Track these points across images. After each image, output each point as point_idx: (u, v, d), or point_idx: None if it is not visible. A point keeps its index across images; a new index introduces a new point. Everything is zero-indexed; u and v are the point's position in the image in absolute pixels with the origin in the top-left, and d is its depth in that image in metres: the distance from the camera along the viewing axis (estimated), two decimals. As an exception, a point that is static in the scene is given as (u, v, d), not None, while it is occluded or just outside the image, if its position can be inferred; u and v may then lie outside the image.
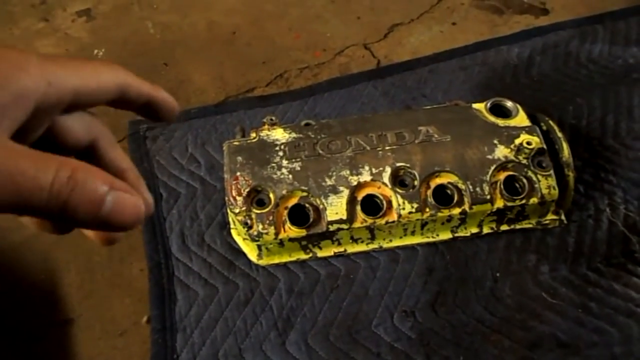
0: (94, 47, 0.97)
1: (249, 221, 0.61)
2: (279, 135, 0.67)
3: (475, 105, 0.69)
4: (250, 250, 0.66)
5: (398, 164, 0.63)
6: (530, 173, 0.63)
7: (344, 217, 0.61)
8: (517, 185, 0.63)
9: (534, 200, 0.62)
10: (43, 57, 0.24)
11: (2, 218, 0.73)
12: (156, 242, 0.69)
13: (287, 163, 0.64)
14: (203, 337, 0.60)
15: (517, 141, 0.64)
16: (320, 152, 0.65)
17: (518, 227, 0.66)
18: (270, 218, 0.61)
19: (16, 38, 1.01)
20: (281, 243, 0.62)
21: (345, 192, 0.62)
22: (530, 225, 0.66)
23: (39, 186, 0.21)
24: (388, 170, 0.63)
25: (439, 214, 0.62)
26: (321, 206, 0.61)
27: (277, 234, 0.61)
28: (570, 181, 0.64)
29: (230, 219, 0.67)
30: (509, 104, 0.69)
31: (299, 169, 0.63)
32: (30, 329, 0.63)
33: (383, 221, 0.62)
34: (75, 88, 0.25)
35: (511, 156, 0.63)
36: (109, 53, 0.96)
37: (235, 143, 0.66)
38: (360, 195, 0.62)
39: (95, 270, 0.68)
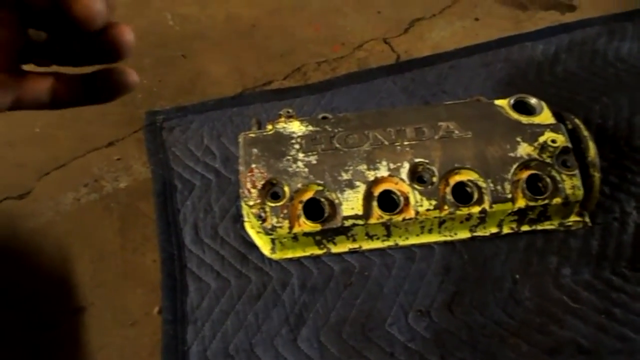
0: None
1: (263, 214, 0.60)
2: (296, 128, 0.66)
3: (498, 102, 0.67)
4: (263, 244, 0.65)
5: (417, 160, 0.61)
6: (554, 172, 0.60)
7: (360, 213, 0.60)
8: (540, 184, 0.61)
9: (557, 200, 0.60)
10: None
11: (17, 205, 0.74)
12: (169, 234, 0.68)
13: (303, 156, 0.63)
14: (214, 330, 0.60)
15: (542, 139, 0.61)
16: (337, 145, 0.63)
17: (540, 228, 0.63)
18: (285, 212, 0.60)
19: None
20: (295, 237, 0.61)
21: (362, 187, 0.60)
22: (553, 227, 0.63)
23: None
24: (406, 165, 0.61)
25: (458, 212, 0.60)
26: (337, 201, 0.60)
27: (291, 228, 0.60)
28: (595, 182, 0.62)
29: (244, 212, 0.66)
30: (533, 100, 0.67)
31: (315, 162, 0.62)
32: (42, 317, 0.63)
33: (400, 218, 0.60)
34: None
35: (535, 154, 0.61)
36: (127, 44, 0.96)
37: (251, 135, 0.66)
38: (377, 191, 0.61)
39: (108, 260, 0.68)
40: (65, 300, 0.64)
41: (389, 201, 0.61)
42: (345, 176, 0.61)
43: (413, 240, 0.63)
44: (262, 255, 0.65)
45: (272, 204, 0.60)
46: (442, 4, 0.98)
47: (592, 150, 0.62)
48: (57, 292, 0.65)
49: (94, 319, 0.63)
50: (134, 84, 0.27)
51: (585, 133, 0.64)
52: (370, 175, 0.61)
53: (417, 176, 0.61)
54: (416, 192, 0.60)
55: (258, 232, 0.65)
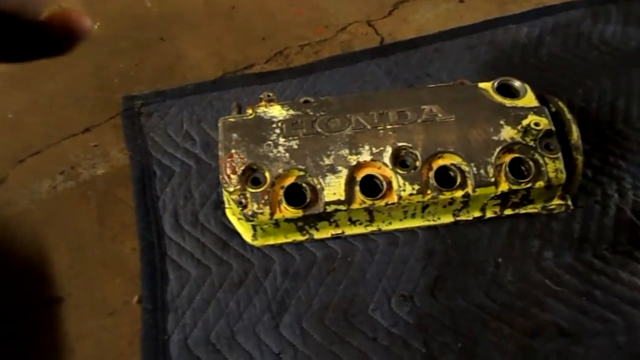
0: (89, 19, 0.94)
1: (243, 200, 0.59)
2: (276, 112, 0.64)
3: (482, 85, 0.66)
4: (245, 231, 0.64)
5: (399, 144, 0.60)
6: (537, 156, 0.60)
7: (342, 198, 0.59)
8: (523, 168, 0.60)
9: (540, 184, 0.60)
10: None
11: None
12: (149, 221, 0.67)
13: (284, 141, 0.61)
14: (195, 319, 0.59)
15: (525, 122, 0.61)
16: (319, 130, 0.62)
17: (522, 211, 0.63)
18: (266, 197, 0.59)
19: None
20: (276, 223, 0.60)
21: (344, 172, 0.59)
22: (535, 210, 0.63)
23: None
24: (389, 150, 0.60)
25: (441, 197, 0.60)
26: (318, 186, 0.59)
27: (272, 214, 0.59)
28: (578, 165, 0.62)
29: (225, 198, 0.65)
30: (517, 83, 0.66)
31: (296, 147, 0.61)
32: (19, 307, 0.61)
33: (383, 203, 0.59)
34: None
35: (518, 138, 0.60)
36: (104, 26, 0.93)
37: (231, 119, 0.64)
38: (359, 176, 0.60)
39: (86, 249, 0.66)
40: (42, 291, 0.63)
41: (371, 186, 0.60)
42: (327, 161, 0.60)
43: (396, 225, 0.63)
44: (243, 242, 0.64)
45: (253, 190, 0.59)
46: (426, -15, 0.96)
47: (575, 133, 0.62)
48: (33, 283, 0.64)
49: (72, 309, 0.61)
50: (88, 29, 0.25)
51: (569, 116, 0.63)
52: (353, 160, 0.60)
53: (400, 160, 0.61)
54: (399, 177, 0.59)
55: (239, 219, 0.64)
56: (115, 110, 0.80)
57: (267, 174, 0.59)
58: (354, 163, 0.60)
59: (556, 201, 0.63)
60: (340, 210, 0.59)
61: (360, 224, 0.62)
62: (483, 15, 0.90)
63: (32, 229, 0.68)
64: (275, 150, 0.61)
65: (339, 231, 0.63)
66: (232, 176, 0.59)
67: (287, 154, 0.60)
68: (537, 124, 0.60)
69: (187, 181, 0.70)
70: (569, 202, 0.64)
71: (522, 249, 0.62)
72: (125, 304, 0.61)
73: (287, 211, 0.59)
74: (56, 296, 0.62)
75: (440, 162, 0.60)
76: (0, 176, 0.74)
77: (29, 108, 0.82)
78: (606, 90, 0.76)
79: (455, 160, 0.60)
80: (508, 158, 0.60)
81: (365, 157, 0.60)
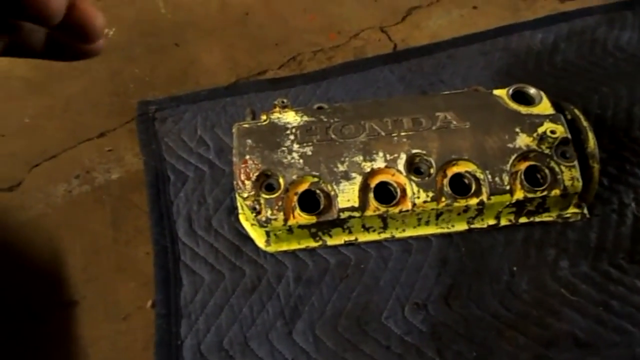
0: (105, 25, 0.95)
1: (257, 206, 0.59)
2: (290, 118, 0.64)
3: (497, 92, 0.66)
4: (258, 236, 0.64)
5: (414, 151, 0.60)
6: (553, 163, 0.59)
7: (356, 205, 0.59)
8: (539, 175, 0.60)
9: (555, 192, 0.59)
10: None
11: (6, 198, 0.72)
12: (162, 226, 0.67)
13: (298, 147, 0.61)
14: (208, 324, 0.59)
15: (540, 130, 0.60)
16: (333, 136, 0.62)
17: (538, 219, 0.63)
18: (280, 204, 0.59)
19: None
20: (290, 230, 0.60)
21: (358, 179, 0.59)
22: (551, 219, 0.63)
23: None
24: (403, 157, 0.60)
25: (455, 204, 0.59)
26: (332, 193, 0.59)
27: (286, 220, 0.59)
28: (594, 173, 0.61)
29: (239, 204, 0.65)
30: (532, 90, 0.66)
31: (310, 153, 0.61)
32: (34, 310, 0.62)
33: (396, 210, 0.59)
34: None
35: (533, 145, 0.60)
36: (119, 32, 0.94)
37: (245, 125, 0.64)
38: (373, 183, 0.60)
39: (101, 253, 0.66)
40: (57, 294, 0.63)
41: (385, 193, 0.60)
42: (341, 167, 0.60)
43: (410, 233, 0.63)
44: (256, 247, 0.64)
45: (267, 196, 0.59)
46: (439, -9, 0.96)
47: (592, 141, 0.61)
48: (48, 286, 0.64)
49: (86, 313, 0.62)
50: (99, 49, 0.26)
51: (585, 124, 0.63)
52: (367, 167, 0.60)
53: (414, 167, 0.60)
54: (413, 184, 0.59)
55: (252, 225, 0.64)
56: (130, 115, 0.81)
57: (281, 180, 0.60)
58: (368, 170, 0.60)
59: (572, 209, 0.63)
60: (353, 217, 0.59)
61: (374, 230, 0.62)
62: (497, 21, 0.89)
63: (48, 233, 0.69)
64: (289, 157, 0.61)
65: (352, 238, 0.62)
66: (246, 182, 0.60)
67: (301, 160, 0.60)
68: (553, 132, 0.59)
69: (201, 186, 0.70)
70: (585, 211, 0.63)
71: (538, 257, 0.61)
72: (139, 308, 0.62)
73: (301, 217, 0.59)
74: (71, 300, 0.63)
75: (455, 170, 0.60)
76: (17, 180, 0.74)
77: (45, 113, 0.83)
78: (622, 97, 0.75)
79: (470, 167, 0.60)
80: (523, 166, 0.60)
81: (379, 163, 0.60)
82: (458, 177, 0.60)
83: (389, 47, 0.88)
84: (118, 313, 0.61)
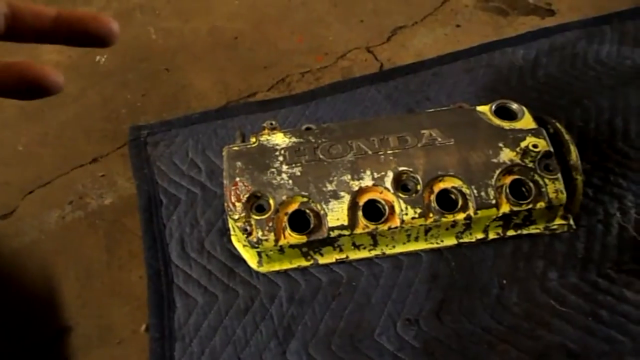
0: (97, 52, 0.97)
1: (248, 227, 0.60)
2: (279, 139, 0.66)
3: (480, 108, 0.68)
4: (250, 257, 0.65)
5: (400, 169, 0.62)
6: (537, 177, 0.61)
7: (345, 223, 0.60)
8: (524, 189, 0.61)
9: (541, 204, 0.60)
10: None
11: (2, 225, 0.73)
12: (156, 249, 0.68)
13: (287, 168, 0.63)
14: (202, 346, 0.59)
15: (523, 144, 0.62)
16: (321, 156, 0.63)
17: (525, 232, 0.64)
18: (270, 224, 0.60)
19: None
20: (281, 250, 0.61)
21: (347, 198, 0.60)
22: (538, 231, 0.64)
23: None
24: (390, 174, 0.61)
25: (443, 220, 0.60)
26: (322, 212, 0.60)
27: (277, 240, 0.60)
28: (578, 185, 0.62)
29: (230, 226, 0.66)
30: (515, 106, 0.67)
31: (299, 174, 0.62)
32: (28, 337, 0.62)
33: (385, 227, 0.60)
34: None
35: (517, 159, 0.61)
36: (111, 58, 0.96)
37: (235, 148, 0.65)
38: (362, 201, 0.61)
39: (94, 277, 0.67)
40: (51, 320, 0.63)
41: (374, 210, 0.61)
42: (330, 187, 0.61)
43: (400, 249, 0.63)
44: (249, 268, 0.64)
45: (257, 217, 0.60)
46: (423, 11, 0.99)
47: (574, 153, 0.63)
48: (42, 312, 0.64)
49: (81, 339, 0.62)
50: (58, 86, 0.26)
51: (567, 137, 0.64)
52: (355, 185, 0.61)
53: (401, 185, 0.61)
54: (401, 201, 0.60)
55: (244, 246, 0.65)
56: (122, 140, 0.82)
57: (271, 201, 0.61)
58: (356, 188, 0.61)
59: (558, 221, 0.64)
60: (343, 235, 0.60)
61: (364, 248, 0.63)
62: (480, 38, 0.92)
63: (42, 259, 0.69)
64: (278, 178, 0.62)
65: (343, 256, 0.63)
66: (237, 204, 0.61)
67: (290, 181, 0.62)
68: (535, 146, 0.61)
69: (193, 209, 0.71)
70: (572, 222, 0.64)
71: (526, 269, 0.62)
72: (134, 332, 0.62)
73: (292, 237, 0.60)
74: (65, 325, 0.63)
75: (442, 186, 0.61)
76: (11, 208, 0.75)
77: (38, 140, 0.84)
78: (604, 109, 0.77)
79: (456, 183, 0.61)
80: (508, 180, 0.61)
81: (367, 182, 0.61)
82: (445, 192, 0.61)
83: (376, 66, 0.90)
84: (112, 338, 0.62)
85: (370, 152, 0.63)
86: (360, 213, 0.60)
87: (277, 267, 0.63)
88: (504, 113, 0.67)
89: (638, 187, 0.67)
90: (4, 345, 0.62)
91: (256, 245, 0.60)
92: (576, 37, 0.89)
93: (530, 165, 0.61)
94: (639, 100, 0.77)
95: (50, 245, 0.71)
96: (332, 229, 0.60)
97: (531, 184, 0.60)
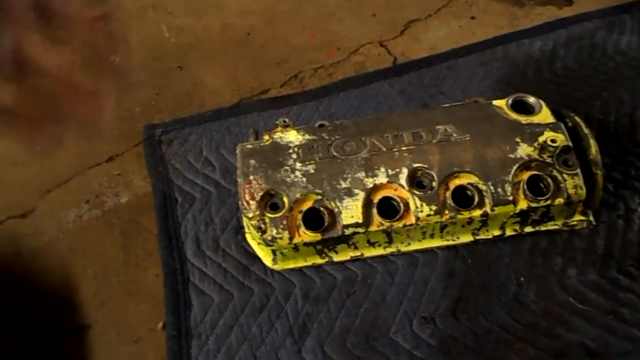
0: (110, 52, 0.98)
1: (262, 225, 0.60)
2: (292, 137, 0.65)
3: (496, 102, 0.67)
4: (265, 255, 0.65)
5: (415, 165, 0.61)
6: (555, 172, 0.60)
7: (360, 221, 0.59)
8: (542, 185, 0.60)
9: (559, 200, 0.59)
10: None
11: (19, 224, 0.74)
12: (171, 248, 0.68)
13: (301, 166, 0.62)
14: (218, 344, 0.59)
15: (541, 139, 0.61)
16: (335, 154, 0.63)
17: (543, 228, 0.63)
18: (284, 222, 0.60)
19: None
20: (296, 247, 0.61)
21: (361, 195, 0.60)
22: (556, 227, 0.63)
23: None
24: (405, 171, 0.61)
25: (459, 216, 0.59)
26: (336, 209, 0.60)
27: (291, 238, 0.60)
28: (598, 180, 0.61)
29: (245, 223, 0.66)
30: (532, 99, 0.66)
31: (312, 171, 0.62)
32: (46, 335, 0.63)
33: (400, 224, 0.60)
34: None
35: (535, 155, 0.60)
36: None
37: (248, 146, 0.65)
38: (376, 198, 0.60)
39: (111, 276, 0.68)
40: (69, 319, 0.64)
41: (389, 208, 0.60)
42: (344, 184, 0.61)
43: (415, 246, 0.63)
44: (264, 266, 0.64)
45: (272, 215, 0.60)
46: (437, 3, 0.97)
47: (593, 148, 0.61)
48: (60, 311, 0.65)
49: (98, 337, 0.63)
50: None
51: (586, 131, 0.63)
52: (369, 183, 0.60)
53: (416, 181, 0.61)
54: (416, 198, 0.59)
55: (259, 244, 0.65)
56: (137, 138, 0.82)
57: (285, 199, 0.60)
58: (371, 185, 0.60)
59: (577, 217, 0.63)
60: (358, 232, 0.60)
61: (379, 245, 0.63)
62: (495, 31, 0.90)
63: (60, 258, 0.70)
64: (292, 175, 0.62)
65: (358, 253, 0.63)
66: (251, 202, 0.61)
67: (304, 179, 0.61)
68: (553, 141, 0.59)
69: (208, 207, 0.71)
70: (591, 218, 0.63)
71: (545, 266, 0.61)
72: (151, 330, 0.62)
73: (306, 235, 0.60)
74: (83, 324, 0.64)
75: (457, 182, 0.60)
76: (29, 207, 0.76)
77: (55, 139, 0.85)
78: (624, 102, 0.75)
79: (472, 179, 0.60)
80: (526, 175, 0.60)
81: (382, 179, 0.61)
82: (460, 189, 0.60)
83: (389, 61, 0.89)
84: (130, 336, 0.62)
85: (384, 149, 0.63)
86: (374, 210, 0.60)
87: (291, 265, 0.63)
88: (521, 107, 0.66)
89: (660, 182, 0.66)
90: (22, 344, 0.63)
91: (271, 243, 0.60)
92: (595, 27, 0.87)
93: (549, 160, 0.60)
94: (661, 92, 0.75)
95: (68, 244, 0.72)
96: (347, 226, 0.59)
97: (549, 180, 0.59)
